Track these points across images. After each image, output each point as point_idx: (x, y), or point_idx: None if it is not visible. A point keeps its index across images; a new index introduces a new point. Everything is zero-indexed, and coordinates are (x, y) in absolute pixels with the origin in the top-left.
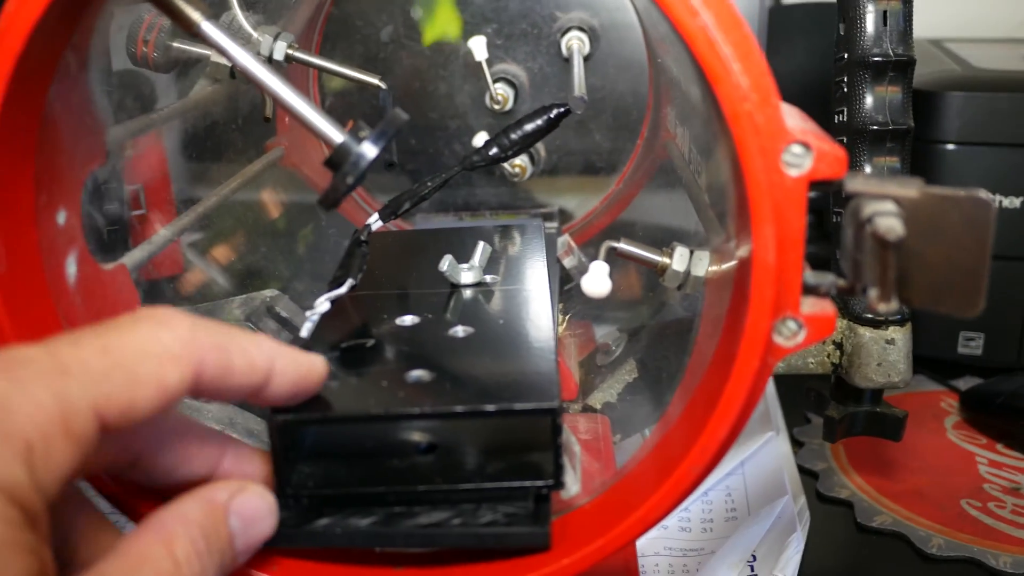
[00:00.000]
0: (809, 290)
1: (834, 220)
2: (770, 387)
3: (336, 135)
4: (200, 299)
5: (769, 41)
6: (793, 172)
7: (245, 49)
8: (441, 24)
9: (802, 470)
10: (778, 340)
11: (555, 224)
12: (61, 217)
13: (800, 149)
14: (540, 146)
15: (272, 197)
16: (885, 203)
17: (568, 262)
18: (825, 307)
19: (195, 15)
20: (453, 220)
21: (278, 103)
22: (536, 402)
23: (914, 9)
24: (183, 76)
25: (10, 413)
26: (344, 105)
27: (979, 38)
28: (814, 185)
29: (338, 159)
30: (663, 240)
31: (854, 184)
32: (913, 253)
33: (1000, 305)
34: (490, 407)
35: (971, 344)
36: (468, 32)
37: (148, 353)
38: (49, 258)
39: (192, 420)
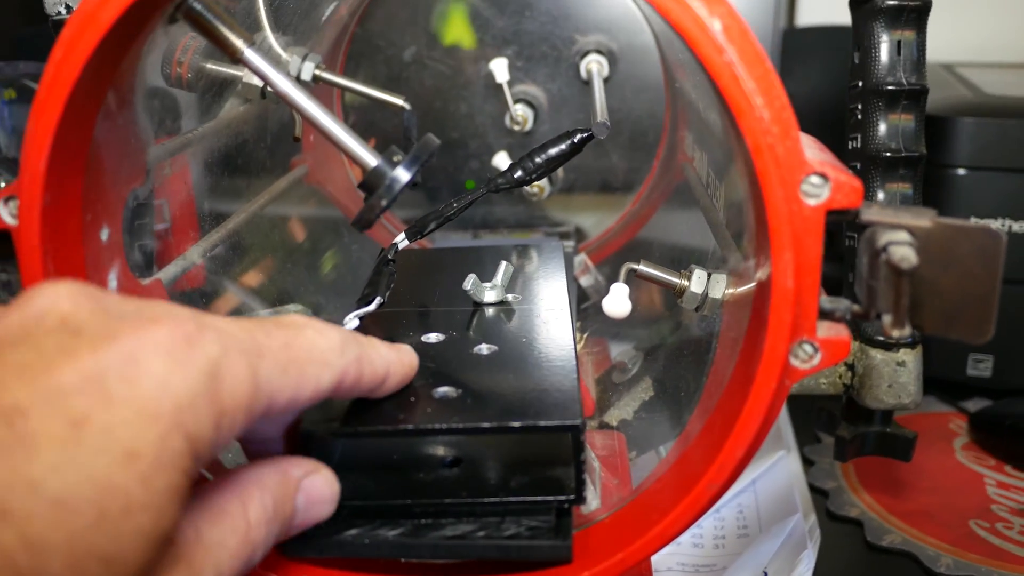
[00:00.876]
0: (825, 315)
1: (847, 244)
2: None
3: (371, 159)
4: (224, 313)
5: (783, 63)
6: (811, 202)
7: (284, 75)
8: (454, 35)
9: (813, 489)
10: (795, 363)
11: (572, 243)
12: (104, 234)
13: (818, 180)
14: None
15: (296, 214)
16: (899, 232)
17: (585, 280)
18: (840, 331)
19: (239, 43)
20: (470, 238)
21: (315, 127)
22: (559, 419)
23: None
24: (219, 97)
25: (218, 378)
26: (365, 122)
27: (991, 63)
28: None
29: (373, 182)
30: (679, 259)
31: (869, 214)
32: (926, 281)
33: (1009, 328)
34: (515, 423)
35: (980, 366)
36: (488, 54)
37: (313, 359)
38: (93, 274)
39: None
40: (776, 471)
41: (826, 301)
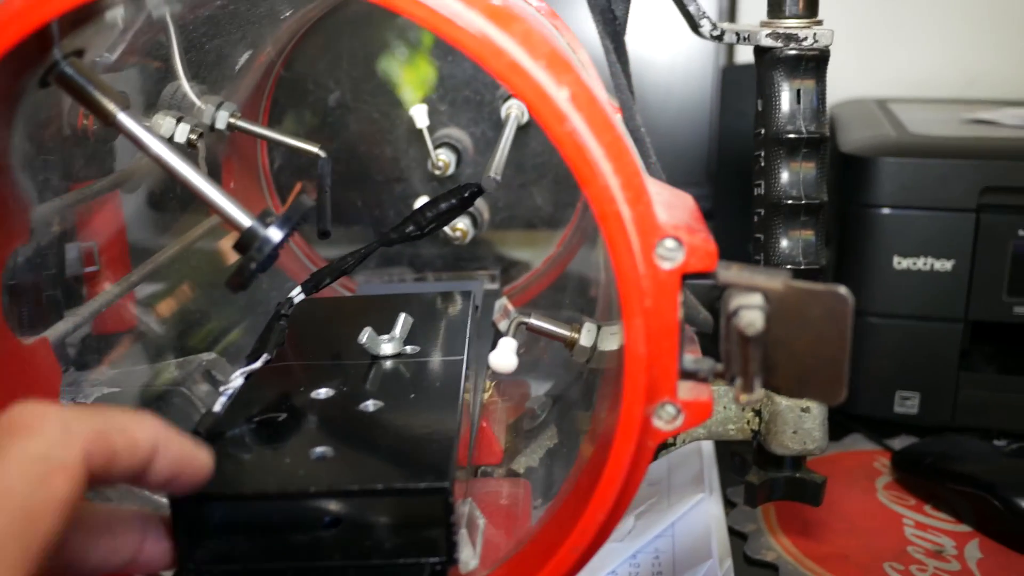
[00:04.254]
0: (688, 375)
1: None
2: (707, 447)
3: (244, 220)
4: (141, 356)
5: (722, 99)
6: (666, 265)
7: (158, 139)
8: (421, 71)
9: (732, 531)
10: (658, 424)
11: (497, 285)
12: None
13: (672, 243)
14: (484, 209)
15: (224, 250)
16: (753, 296)
17: (503, 325)
18: (702, 392)
19: (111, 107)
20: (396, 282)
21: (190, 190)
22: (429, 481)
23: (865, 67)
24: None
25: None
26: (293, 167)
27: (928, 98)
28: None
29: (245, 243)
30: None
31: (727, 276)
32: (780, 343)
33: (935, 365)
34: (382, 486)
35: (907, 403)
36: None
37: (33, 479)
38: None
39: (113, 509)
40: (696, 514)
41: (690, 361)
